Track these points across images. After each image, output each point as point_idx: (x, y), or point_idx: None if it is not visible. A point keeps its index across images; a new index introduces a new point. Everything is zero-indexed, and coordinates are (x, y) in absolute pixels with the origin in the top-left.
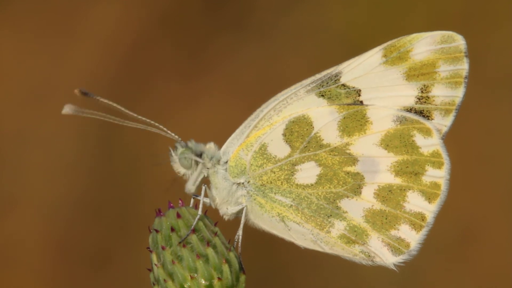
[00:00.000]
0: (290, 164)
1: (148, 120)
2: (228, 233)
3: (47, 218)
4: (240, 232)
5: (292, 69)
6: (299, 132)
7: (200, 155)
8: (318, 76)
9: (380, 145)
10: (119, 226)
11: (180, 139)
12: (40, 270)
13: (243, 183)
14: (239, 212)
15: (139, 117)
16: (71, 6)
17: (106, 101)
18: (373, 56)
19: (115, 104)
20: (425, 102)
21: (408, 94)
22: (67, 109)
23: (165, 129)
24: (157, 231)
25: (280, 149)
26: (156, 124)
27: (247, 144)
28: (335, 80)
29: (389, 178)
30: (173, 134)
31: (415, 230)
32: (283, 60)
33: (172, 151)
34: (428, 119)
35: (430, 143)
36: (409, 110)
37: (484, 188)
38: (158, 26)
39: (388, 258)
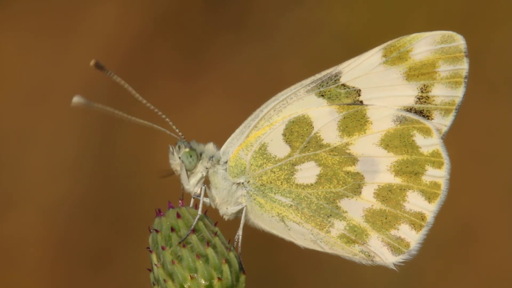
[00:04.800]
0: (290, 164)
1: (156, 110)
2: (228, 233)
3: (47, 218)
4: (240, 232)
5: (292, 69)
6: (299, 132)
7: (200, 155)
8: (318, 76)
9: (380, 145)
10: (119, 226)
11: (183, 137)
12: (40, 270)
13: (243, 183)
14: (239, 212)
15: (148, 104)
16: (71, 6)
17: (119, 79)
18: (373, 56)
19: (126, 85)
20: (425, 102)
21: (408, 94)
22: (77, 100)
23: (171, 123)
24: (157, 231)
25: (280, 149)
26: (163, 116)
27: (247, 144)
28: (335, 80)
29: (389, 178)
30: (177, 131)
31: (415, 229)
32: (283, 60)
33: (172, 149)
34: (428, 119)
35: (430, 143)
36: (409, 110)
37: (484, 188)
38: (158, 26)
39: (388, 258)
